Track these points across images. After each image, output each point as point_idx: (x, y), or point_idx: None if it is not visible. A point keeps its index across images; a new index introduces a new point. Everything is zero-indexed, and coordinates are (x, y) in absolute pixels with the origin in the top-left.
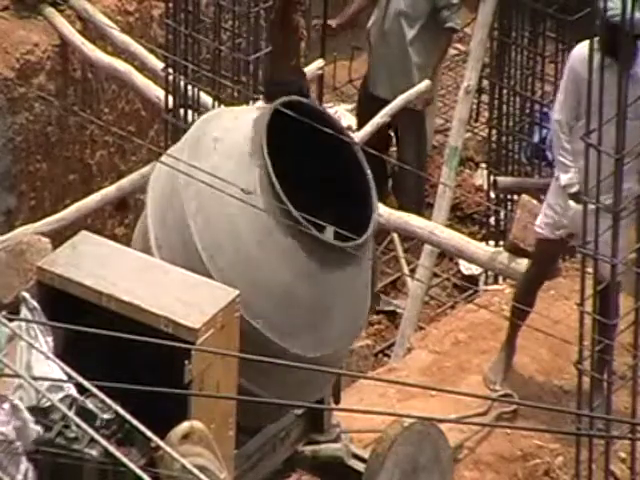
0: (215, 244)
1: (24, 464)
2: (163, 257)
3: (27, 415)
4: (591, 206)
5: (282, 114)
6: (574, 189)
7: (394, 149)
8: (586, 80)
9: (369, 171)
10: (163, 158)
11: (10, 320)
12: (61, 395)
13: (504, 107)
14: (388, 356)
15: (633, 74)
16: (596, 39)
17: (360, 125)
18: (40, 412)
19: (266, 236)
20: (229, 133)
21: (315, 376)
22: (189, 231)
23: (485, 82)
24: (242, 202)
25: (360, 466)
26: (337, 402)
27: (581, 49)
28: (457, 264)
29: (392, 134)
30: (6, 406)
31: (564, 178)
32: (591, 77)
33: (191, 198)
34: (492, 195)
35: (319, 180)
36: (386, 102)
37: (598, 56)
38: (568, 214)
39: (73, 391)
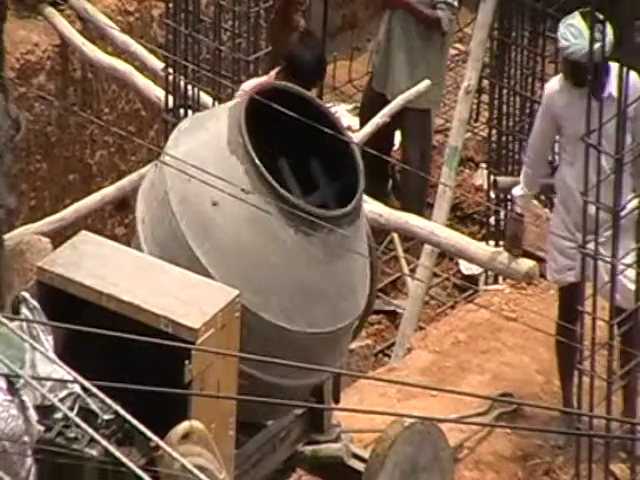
0: (201, 231)
1: (29, 462)
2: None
3: (33, 413)
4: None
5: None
6: (517, 208)
7: (394, 149)
8: (562, 114)
9: (356, 148)
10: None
11: (10, 320)
12: (65, 393)
13: (504, 107)
14: (388, 356)
15: (607, 96)
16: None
17: (362, 124)
18: (44, 411)
19: (255, 221)
20: (208, 123)
21: (318, 356)
22: (175, 219)
23: (485, 82)
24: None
25: (360, 466)
26: (337, 402)
27: (553, 85)
28: (457, 264)
29: (394, 134)
30: (16, 402)
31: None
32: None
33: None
34: (492, 195)
35: (305, 161)
36: (390, 101)
37: (569, 87)
38: (570, 252)
39: (77, 389)
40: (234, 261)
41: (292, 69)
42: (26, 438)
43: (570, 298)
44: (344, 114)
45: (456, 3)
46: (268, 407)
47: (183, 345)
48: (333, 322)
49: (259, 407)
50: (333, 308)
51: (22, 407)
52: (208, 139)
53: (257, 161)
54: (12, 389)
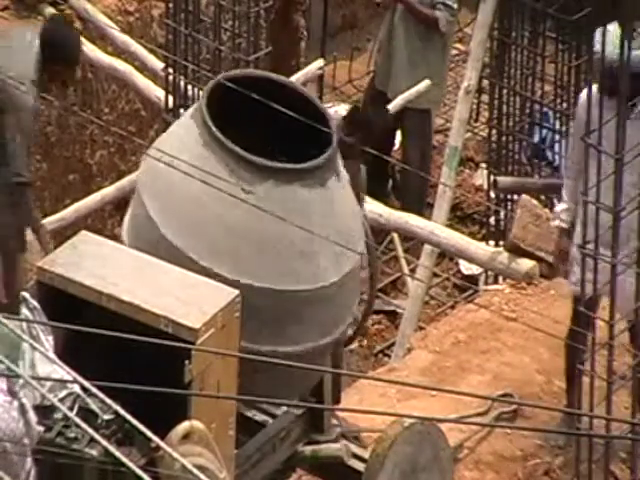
0: (156, 192)
1: (29, 463)
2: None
3: (32, 416)
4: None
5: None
6: (561, 223)
7: (395, 149)
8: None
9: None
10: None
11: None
12: (64, 393)
13: (504, 107)
14: (388, 356)
15: (635, 115)
16: (595, 84)
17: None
18: (43, 411)
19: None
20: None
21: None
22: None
23: (485, 82)
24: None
25: (360, 466)
26: (337, 402)
27: (585, 94)
28: (457, 264)
29: (394, 134)
30: (16, 404)
31: (556, 208)
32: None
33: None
34: (492, 195)
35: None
36: (391, 100)
37: (599, 96)
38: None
39: (77, 389)
40: (187, 220)
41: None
42: (26, 440)
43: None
44: (344, 114)
45: (455, 5)
46: (282, 384)
47: (183, 345)
48: (281, 282)
49: (275, 386)
50: (286, 267)
51: (22, 410)
52: (183, 118)
53: (208, 120)
54: (12, 391)
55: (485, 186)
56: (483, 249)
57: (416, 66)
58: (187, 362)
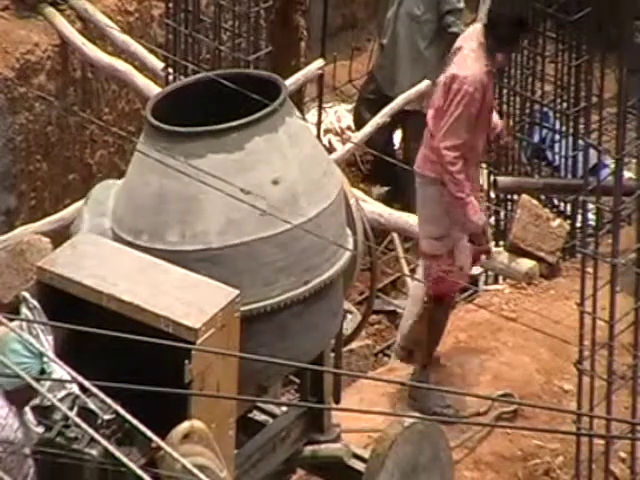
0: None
1: (26, 470)
2: None
3: (31, 418)
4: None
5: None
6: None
7: (395, 149)
8: None
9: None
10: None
11: (10, 320)
12: (64, 393)
13: (504, 107)
14: (388, 356)
15: None
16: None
17: (360, 125)
18: (43, 411)
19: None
20: None
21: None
22: None
23: None
24: None
25: (360, 466)
26: (337, 402)
27: None
28: None
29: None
30: (14, 408)
31: None
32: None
33: None
34: (492, 195)
35: None
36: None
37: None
38: None
39: (76, 389)
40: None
41: (490, 26)
42: (24, 446)
43: None
44: (344, 114)
45: (461, 5)
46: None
47: (183, 345)
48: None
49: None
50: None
51: (19, 414)
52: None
53: (149, 115)
54: (9, 397)
55: (485, 186)
56: None
57: (420, 70)
58: (187, 362)
